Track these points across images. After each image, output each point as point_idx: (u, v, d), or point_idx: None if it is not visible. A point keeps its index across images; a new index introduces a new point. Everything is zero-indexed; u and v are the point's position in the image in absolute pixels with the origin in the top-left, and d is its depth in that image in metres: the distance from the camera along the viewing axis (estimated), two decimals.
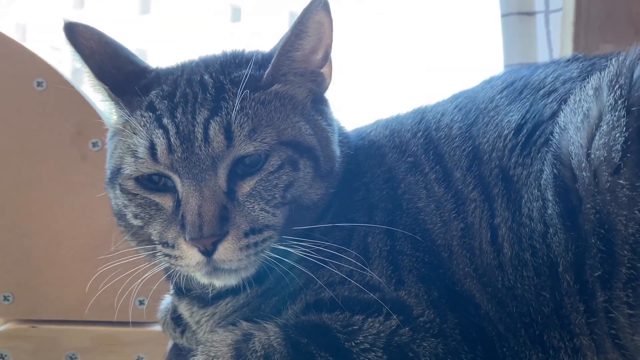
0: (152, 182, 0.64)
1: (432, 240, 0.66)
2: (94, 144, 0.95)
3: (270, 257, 0.63)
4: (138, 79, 0.68)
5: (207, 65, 0.69)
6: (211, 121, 0.61)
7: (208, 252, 0.60)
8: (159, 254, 0.63)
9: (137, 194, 0.64)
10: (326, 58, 0.69)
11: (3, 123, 0.95)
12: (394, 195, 0.69)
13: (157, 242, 0.64)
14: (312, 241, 0.62)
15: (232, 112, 0.61)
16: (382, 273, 0.65)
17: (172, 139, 0.61)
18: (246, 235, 0.61)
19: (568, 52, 1.12)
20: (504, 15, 1.20)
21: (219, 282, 0.65)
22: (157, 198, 0.63)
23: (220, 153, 0.61)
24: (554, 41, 1.17)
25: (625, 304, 0.57)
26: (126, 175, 0.64)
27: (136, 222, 0.65)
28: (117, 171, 0.65)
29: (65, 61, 0.99)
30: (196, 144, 0.61)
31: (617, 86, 0.59)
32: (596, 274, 0.58)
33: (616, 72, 0.60)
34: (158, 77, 0.69)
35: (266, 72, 0.65)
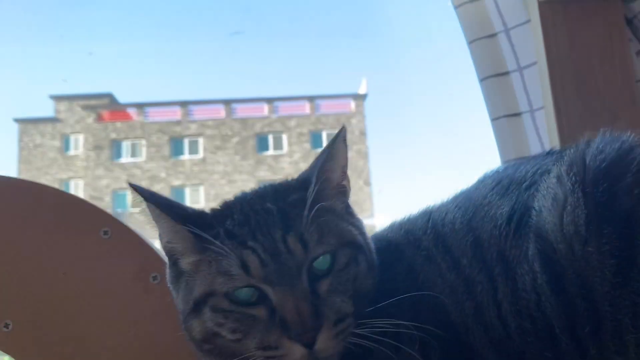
0: (244, 299, 0.75)
1: (450, 320, 0.77)
2: (154, 278, 1.10)
3: (350, 341, 0.74)
4: (199, 219, 0.82)
5: (262, 196, 0.84)
6: (287, 236, 0.75)
7: (310, 345, 0.71)
8: (259, 356, 0.73)
9: (233, 310, 0.76)
10: (345, 172, 0.86)
11: (75, 268, 1.11)
12: (415, 284, 0.81)
13: (255, 350, 0.74)
14: (385, 320, 0.73)
15: (301, 226, 0.76)
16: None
17: (262, 256, 0.74)
18: (335, 324, 0.73)
19: (556, 143, 1.27)
20: (493, 119, 1.36)
21: None
22: (252, 311, 0.75)
23: (301, 260, 0.75)
24: (543, 135, 1.32)
25: (614, 352, 0.67)
26: (221, 293, 0.76)
27: (234, 336, 0.75)
28: (206, 295, 0.77)
29: None
30: (283, 256, 0.74)
31: (571, 174, 0.74)
32: (586, 330, 0.68)
33: (570, 162, 0.76)
34: (221, 213, 0.83)
35: (313, 192, 0.79)
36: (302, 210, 0.77)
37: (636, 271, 0.67)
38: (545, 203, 0.75)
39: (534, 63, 1.35)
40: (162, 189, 19.71)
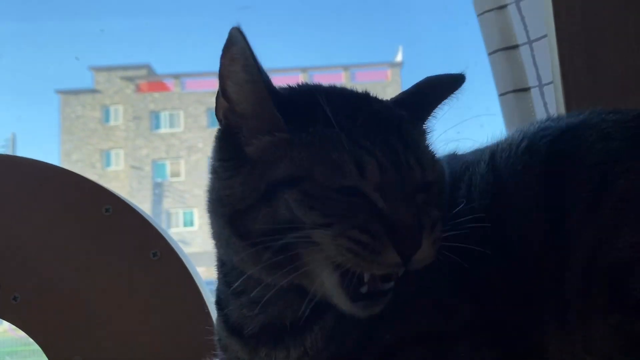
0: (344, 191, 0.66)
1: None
2: (154, 254, 1.13)
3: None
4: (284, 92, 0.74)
5: (362, 97, 0.77)
6: (408, 153, 0.69)
7: (409, 257, 0.65)
8: (347, 236, 0.64)
9: (330, 197, 0.66)
10: None
11: (77, 244, 1.15)
12: None
13: (347, 230, 0.64)
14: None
15: (419, 148, 0.72)
16: None
17: (382, 162, 0.66)
18: (432, 230, 0.67)
19: None
20: (501, 95, 1.33)
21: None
22: (351, 199, 0.66)
23: (418, 180, 0.69)
24: (551, 110, 1.28)
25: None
26: (319, 183, 0.66)
27: (324, 220, 0.65)
28: (297, 178, 0.66)
29: None
30: (404, 169, 0.68)
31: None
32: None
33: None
34: (302, 97, 0.73)
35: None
36: (412, 128, 0.73)
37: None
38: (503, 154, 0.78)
39: (544, 36, 1.30)
40: (199, 159, 20.00)
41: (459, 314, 0.72)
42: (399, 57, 20.03)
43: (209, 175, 0.77)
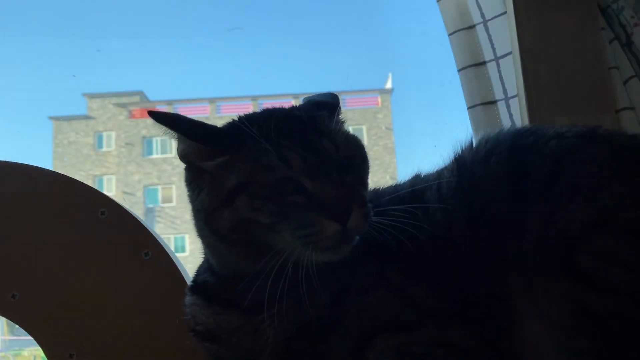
0: (282, 189, 0.82)
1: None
2: (146, 254, 1.21)
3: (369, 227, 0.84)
4: (216, 130, 0.90)
5: (286, 110, 0.94)
6: (322, 139, 0.85)
7: (344, 221, 0.80)
8: (296, 236, 0.80)
9: (272, 196, 0.82)
10: None
11: (74, 245, 1.22)
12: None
13: (291, 230, 0.81)
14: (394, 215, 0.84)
15: (331, 131, 0.87)
16: None
17: (301, 152, 0.82)
18: (361, 206, 0.82)
19: None
20: (470, 107, 1.43)
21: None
22: (289, 198, 0.82)
23: (334, 157, 0.84)
24: (517, 121, 1.38)
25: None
26: (261, 184, 0.82)
27: (271, 219, 0.81)
28: (245, 184, 0.83)
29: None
30: (320, 153, 0.83)
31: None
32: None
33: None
34: (242, 124, 0.88)
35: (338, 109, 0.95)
36: (329, 120, 0.89)
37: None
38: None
39: (510, 53, 1.41)
40: None
41: (419, 299, 0.84)
42: (388, 84, 20.28)
43: (190, 208, 0.93)
